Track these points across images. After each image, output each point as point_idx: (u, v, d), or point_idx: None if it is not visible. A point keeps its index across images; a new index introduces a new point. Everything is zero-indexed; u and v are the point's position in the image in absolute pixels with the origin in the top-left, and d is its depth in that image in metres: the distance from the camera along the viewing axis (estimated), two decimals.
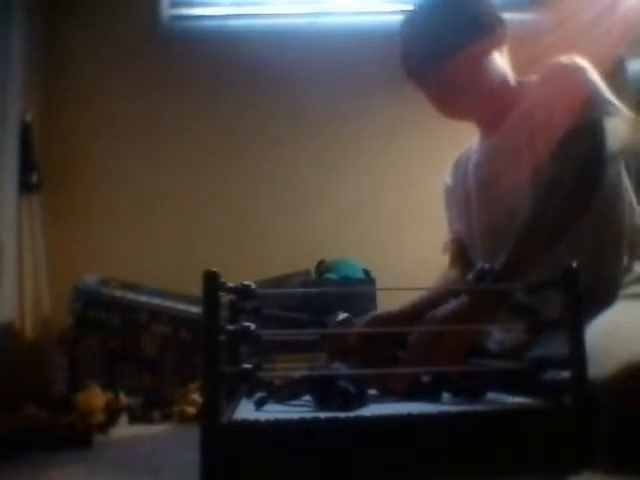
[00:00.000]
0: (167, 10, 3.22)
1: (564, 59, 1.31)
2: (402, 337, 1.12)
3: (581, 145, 1.14)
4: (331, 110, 3.00)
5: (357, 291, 2.40)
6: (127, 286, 2.69)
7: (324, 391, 0.87)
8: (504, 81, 1.38)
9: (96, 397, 2.15)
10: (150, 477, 1.51)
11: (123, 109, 3.07)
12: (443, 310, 1.05)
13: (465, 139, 1.63)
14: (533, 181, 1.18)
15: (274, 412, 0.85)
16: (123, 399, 2.27)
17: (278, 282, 2.58)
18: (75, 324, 2.60)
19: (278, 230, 2.99)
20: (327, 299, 2.03)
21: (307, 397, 0.93)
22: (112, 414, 2.14)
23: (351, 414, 0.80)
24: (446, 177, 1.61)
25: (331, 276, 2.67)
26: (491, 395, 0.93)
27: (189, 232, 2.99)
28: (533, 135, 1.25)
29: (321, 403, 0.87)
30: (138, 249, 2.94)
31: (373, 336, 1.24)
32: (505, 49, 1.43)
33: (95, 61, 3.12)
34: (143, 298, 2.67)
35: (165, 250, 2.95)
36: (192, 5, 3.27)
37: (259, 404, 0.88)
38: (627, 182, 1.28)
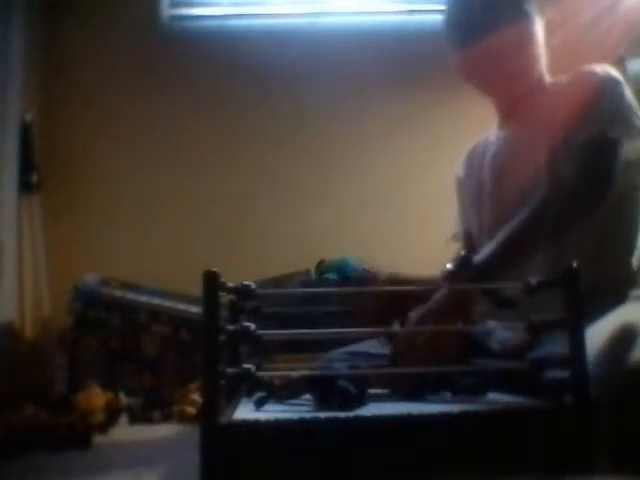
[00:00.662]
0: (167, 10, 3.23)
1: (598, 67, 1.29)
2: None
3: (592, 160, 1.15)
4: (331, 110, 3.00)
5: (357, 291, 2.40)
6: (127, 286, 2.69)
7: (324, 391, 0.87)
8: (541, 73, 1.38)
9: (96, 397, 2.15)
10: (150, 477, 1.51)
11: (123, 109, 3.07)
12: (420, 309, 1.06)
13: (466, 140, 1.63)
14: (541, 180, 1.17)
15: (274, 412, 0.85)
16: (123, 399, 2.26)
17: (278, 282, 2.58)
18: (75, 324, 2.60)
19: (278, 230, 2.99)
20: (327, 299, 2.03)
21: (307, 397, 0.93)
22: (112, 414, 2.14)
23: (351, 414, 0.80)
24: (458, 169, 1.59)
25: (331, 276, 2.67)
26: (492, 395, 0.92)
27: (189, 232, 2.99)
28: (552, 136, 1.24)
29: (321, 403, 0.87)
30: (138, 249, 2.94)
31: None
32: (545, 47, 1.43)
33: (95, 61, 3.12)
34: (143, 298, 2.67)
35: (165, 250, 2.95)
36: (192, 5, 3.27)
37: (259, 404, 0.88)
38: None
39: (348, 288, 1.25)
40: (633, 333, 0.87)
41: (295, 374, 0.95)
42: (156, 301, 2.66)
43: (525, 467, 0.76)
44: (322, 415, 0.79)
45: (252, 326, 0.87)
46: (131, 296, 2.66)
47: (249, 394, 0.93)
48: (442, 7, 1.45)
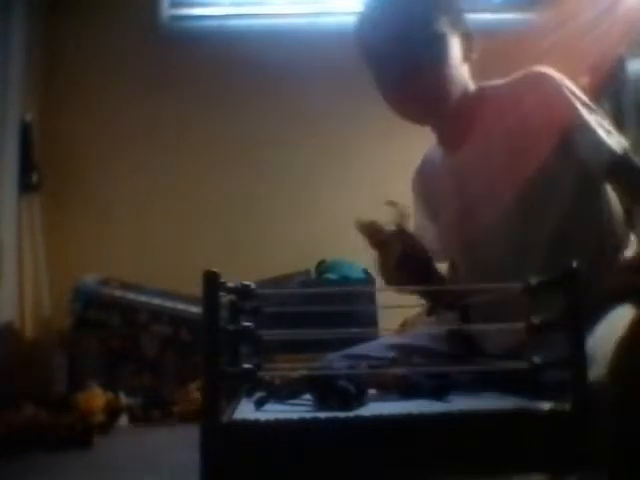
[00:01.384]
0: (167, 10, 3.23)
1: (541, 68, 1.23)
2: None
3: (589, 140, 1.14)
4: (331, 110, 3.00)
5: (357, 291, 2.40)
6: (127, 286, 2.69)
7: (324, 391, 0.86)
8: (464, 85, 1.28)
9: (96, 397, 2.15)
10: (150, 477, 1.51)
11: (123, 109, 3.07)
12: None
13: None
14: (528, 187, 1.15)
15: (274, 412, 0.84)
16: (123, 399, 2.27)
17: (278, 282, 2.58)
18: (75, 324, 2.60)
19: (278, 230, 2.99)
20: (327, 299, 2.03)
21: (307, 397, 0.92)
22: (112, 414, 2.14)
23: (351, 414, 0.80)
24: (415, 190, 1.49)
25: (331, 276, 2.67)
26: (491, 396, 0.92)
27: (189, 232, 3.00)
28: (514, 145, 1.20)
29: (321, 403, 0.86)
30: (138, 249, 2.94)
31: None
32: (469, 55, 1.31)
33: (95, 61, 3.12)
34: (143, 298, 2.67)
35: (165, 250, 2.95)
36: (192, 5, 3.27)
37: (259, 404, 0.88)
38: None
39: (348, 288, 1.23)
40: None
41: (295, 374, 0.94)
42: (156, 301, 2.66)
43: (524, 468, 0.77)
44: (322, 415, 0.79)
45: (252, 326, 0.86)
46: (131, 296, 2.66)
47: (249, 394, 0.93)
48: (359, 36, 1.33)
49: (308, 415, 0.80)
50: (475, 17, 3.74)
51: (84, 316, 2.60)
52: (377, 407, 0.85)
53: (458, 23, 1.27)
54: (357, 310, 2.17)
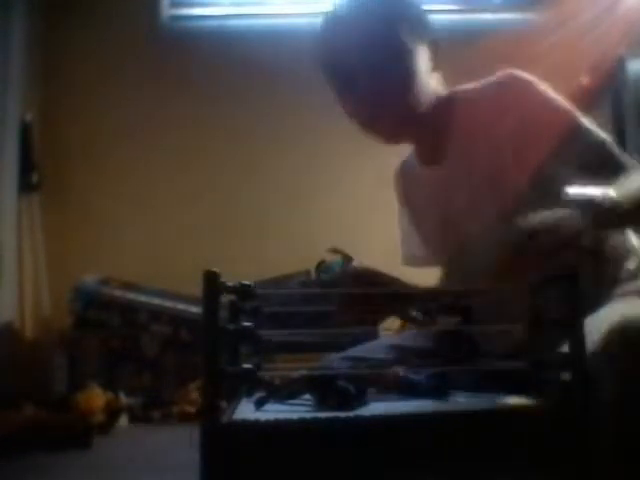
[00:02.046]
0: (167, 10, 3.23)
1: (511, 70, 1.15)
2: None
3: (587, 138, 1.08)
4: (330, 109, 2.99)
5: (355, 292, 2.40)
6: (127, 286, 2.69)
7: (324, 391, 0.86)
8: (437, 97, 1.20)
9: (96, 397, 2.16)
10: (150, 477, 1.51)
11: (123, 109, 3.07)
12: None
13: None
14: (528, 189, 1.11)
15: (274, 412, 0.83)
16: (123, 399, 2.27)
17: (278, 282, 2.58)
18: (75, 324, 2.61)
19: (279, 231, 2.99)
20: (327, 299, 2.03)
21: (307, 397, 0.90)
22: (112, 414, 2.14)
23: (351, 414, 0.79)
24: (397, 191, 1.43)
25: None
26: (491, 395, 0.92)
27: (189, 232, 3.00)
28: (495, 156, 1.13)
29: (321, 403, 0.85)
30: (138, 249, 2.94)
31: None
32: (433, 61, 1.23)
33: (95, 61, 3.12)
34: (143, 298, 2.67)
35: (165, 250, 2.95)
36: (192, 5, 3.27)
37: (259, 404, 0.87)
38: None
39: (350, 290, 1.21)
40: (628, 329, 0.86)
41: (295, 374, 0.94)
42: (156, 301, 2.66)
43: (525, 467, 0.76)
44: (322, 415, 0.78)
45: (252, 326, 0.86)
46: (131, 296, 2.66)
47: (249, 394, 0.92)
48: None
49: (308, 415, 0.79)
50: (475, 17, 3.75)
51: (84, 316, 2.60)
52: (377, 407, 0.84)
53: (423, 32, 1.19)
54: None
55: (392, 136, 1.23)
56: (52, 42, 3.09)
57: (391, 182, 1.46)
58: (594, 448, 0.75)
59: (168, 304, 2.64)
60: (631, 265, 1.11)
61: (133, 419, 2.27)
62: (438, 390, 0.91)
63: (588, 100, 2.46)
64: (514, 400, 0.84)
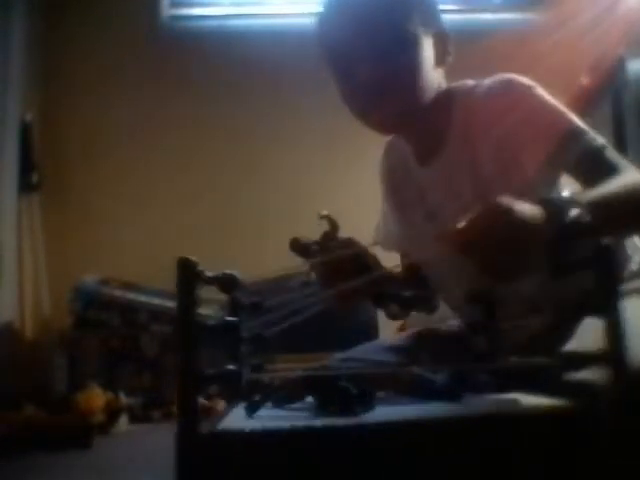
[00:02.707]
0: (167, 10, 3.23)
1: (513, 75, 1.11)
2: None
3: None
4: (330, 109, 2.99)
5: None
6: (127, 286, 2.69)
7: (325, 394, 0.76)
8: (440, 93, 1.16)
9: (96, 397, 2.15)
10: (150, 477, 1.51)
11: (123, 109, 3.07)
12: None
13: None
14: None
15: (266, 419, 0.74)
16: (123, 399, 2.26)
17: (278, 282, 2.58)
18: (75, 324, 2.60)
19: (279, 230, 2.99)
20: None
21: (309, 399, 0.82)
22: (112, 414, 2.14)
23: (351, 421, 0.69)
24: (383, 182, 1.39)
25: None
26: (512, 396, 0.80)
27: (189, 232, 2.99)
28: (494, 165, 1.08)
29: (322, 407, 0.76)
30: (138, 249, 2.94)
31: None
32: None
33: (95, 61, 3.12)
34: (143, 298, 2.67)
35: (165, 250, 2.93)
36: (192, 5, 3.27)
37: (251, 409, 0.76)
38: None
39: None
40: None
41: (293, 375, 0.84)
42: (156, 301, 2.66)
43: (553, 477, 0.66)
44: (317, 423, 0.68)
45: (236, 321, 0.76)
46: (131, 296, 2.66)
47: (248, 397, 0.81)
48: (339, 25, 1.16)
49: (301, 424, 0.68)
50: (475, 17, 3.75)
51: (84, 316, 2.60)
52: (383, 412, 0.75)
53: (431, 22, 1.15)
54: (357, 309, 2.17)
55: (389, 127, 1.19)
56: (52, 42, 3.09)
57: None
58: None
59: (168, 304, 2.64)
60: (634, 266, 1.10)
61: (133, 419, 2.27)
62: (453, 392, 0.82)
63: (588, 100, 2.45)
64: (540, 401, 0.74)
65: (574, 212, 0.86)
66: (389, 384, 0.87)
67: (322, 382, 0.79)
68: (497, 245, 0.78)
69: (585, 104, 2.44)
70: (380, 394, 0.82)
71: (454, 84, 1.18)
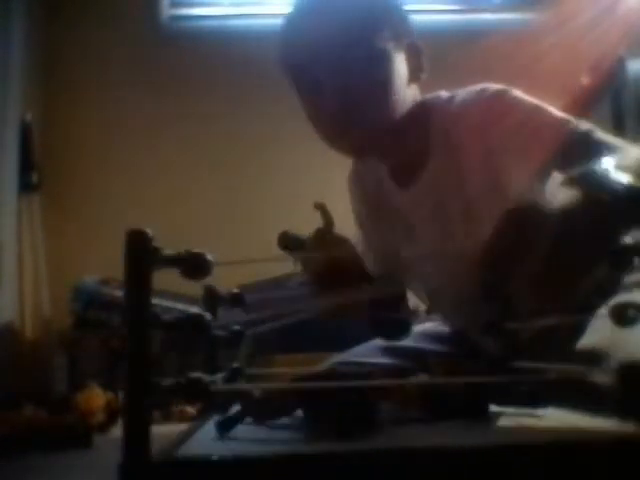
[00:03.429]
0: (167, 10, 3.23)
1: (487, 84, 1.05)
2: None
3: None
4: None
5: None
6: None
7: (316, 408, 0.61)
8: (405, 104, 1.06)
9: (96, 397, 2.15)
10: None
11: (123, 109, 3.07)
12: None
13: None
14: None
15: (241, 442, 0.59)
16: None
17: (278, 282, 2.58)
18: (75, 324, 2.60)
19: (279, 231, 2.99)
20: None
21: (298, 414, 0.67)
22: (112, 414, 2.14)
23: (352, 446, 0.52)
24: (356, 209, 1.31)
25: None
26: (551, 413, 0.64)
27: (189, 232, 2.99)
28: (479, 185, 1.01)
29: (314, 425, 0.61)
30: None
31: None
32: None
33: (95, 61, 3.12)
34: None
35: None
36: (192, 5, 3.27)
37: (223, 427, 0.61)
38: None
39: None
40: None
41: (278, 385, 0.70)
42: (156, 301, 2.65)
43: None
44: (307, 449, 0.53)
45: (203, 315, 0.60)
46: None
47: (222, 411, 0.66)
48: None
49: (285, 450, 0.53)
50: (475, 17, 3.75)
51: (84, 316, 2.60)
52: (389, 435, 0.60)
53: (403, 36, 1.05)
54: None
55: (362, 151, 1.11)
56: (52, 42, 3.09)
57: None
58: None
59: (168, 304, 2.64)
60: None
61: None
62: (476, 406, 0.65)
63: (588, 100, 2.46)
64: (598, 423, 0.58)
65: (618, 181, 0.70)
66: (395, 395, 0.73)
67: (315, 394, 0.63)
68: (540, 255, 0.68)
69: (585, 104, 2.44)
70: (382, 405, 0.69)
71: (428, 96, 1.11)
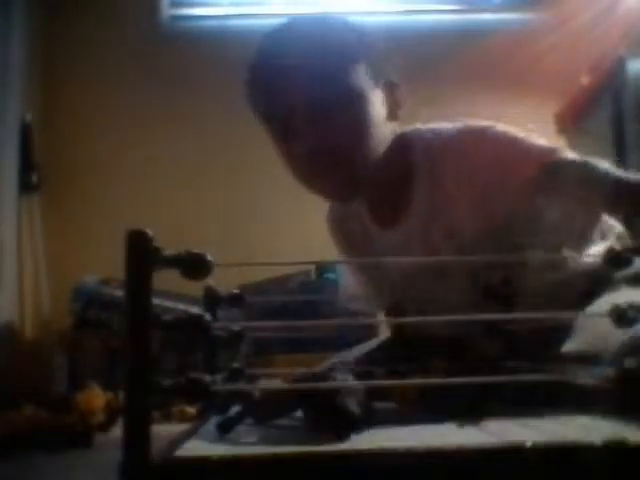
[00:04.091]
0: (167, 10, 3.23)
1: (478, 122, 1.02)
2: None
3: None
4: None
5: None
6: None
7: (316, 409, 0.61)
8: (382, 142, 1.02)
9: (96, 397, 2.15)
10: None
11: (123, 109, 3.07)
12: None
13: None
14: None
15: (241, 443, 0.59)
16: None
17: (279, 282, 2.58)
18: (75, 324, 2.60)
19: (280, 231, 2.99)
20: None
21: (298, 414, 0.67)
22: (112, 414, 2.14)
23: (352, 445, 0.54)
24: (343, 252, 1.26)
25: (331, 276, 2.67)
26: (552, 416, 0.63)
27: (190, 233, 2.99)
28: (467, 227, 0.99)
29: (313, 425, 0.61)
30: None
31: None
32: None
33: (95, 61, 3.12)
34: None
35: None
36: (192, 5, 3.27)
37: (223, 428, 0.62)
38: None
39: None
40: None
41: (277, 386, 0.70)
42: (156, 301, 2.65)
43: None
44: (306, 449, 0.52)
45: (202, 315, 0.61)
46: None
47: (221, 411, 0.66)
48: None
49: (285, 450, 0.53)
50: (475, 17, 3.75)
51: (84, 316, 2.60)
52: (389, 435, 0.59)
53: (380, 72, 1.01)
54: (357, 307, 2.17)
55: (337, 196, 1.09)
56: (52, 42, 3.09)
57: None
58: None
59: (168, 304, 2.64)
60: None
61: None
62: (477, 407, 0.64)
63: (588, 100, 2.46)
64: (601, 426, 0.57)
65: None
66: (394, 396, 0.73)
67: (315, 394, 0.63)
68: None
69: (585, 104, 2.44)
70: (380, 404, 0.69)
71: (407, 129, 1.08)
